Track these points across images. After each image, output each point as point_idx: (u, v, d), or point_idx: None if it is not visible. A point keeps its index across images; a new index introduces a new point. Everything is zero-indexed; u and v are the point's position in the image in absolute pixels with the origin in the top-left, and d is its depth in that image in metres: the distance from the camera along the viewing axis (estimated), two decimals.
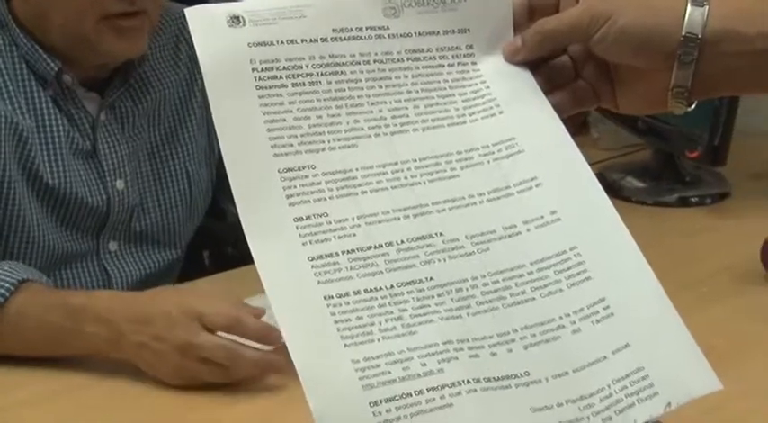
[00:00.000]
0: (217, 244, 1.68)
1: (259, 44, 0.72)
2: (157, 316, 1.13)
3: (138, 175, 1.46)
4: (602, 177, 1.72)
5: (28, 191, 1.34)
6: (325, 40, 0.74)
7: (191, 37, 0.72)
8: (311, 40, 0.74)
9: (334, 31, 0.75)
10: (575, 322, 0.70)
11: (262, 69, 0.72)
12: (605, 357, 0.69)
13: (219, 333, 1.13)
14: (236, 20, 0.73)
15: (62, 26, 1.32)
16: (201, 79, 0.82)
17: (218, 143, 0.70)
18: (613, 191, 1.74)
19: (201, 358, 1.12)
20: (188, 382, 1.13)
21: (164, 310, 1.14)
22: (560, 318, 0.70)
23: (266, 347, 1.13)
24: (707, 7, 0.73)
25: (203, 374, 1.13)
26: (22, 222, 1.34)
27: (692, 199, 1.76)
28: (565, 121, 0.79)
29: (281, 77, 0.72)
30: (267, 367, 1.12)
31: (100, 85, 1.41)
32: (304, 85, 0.73)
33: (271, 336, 1.12)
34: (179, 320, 1.13)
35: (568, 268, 0.72)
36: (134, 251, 1.47)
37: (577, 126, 2.40)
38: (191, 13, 0.72)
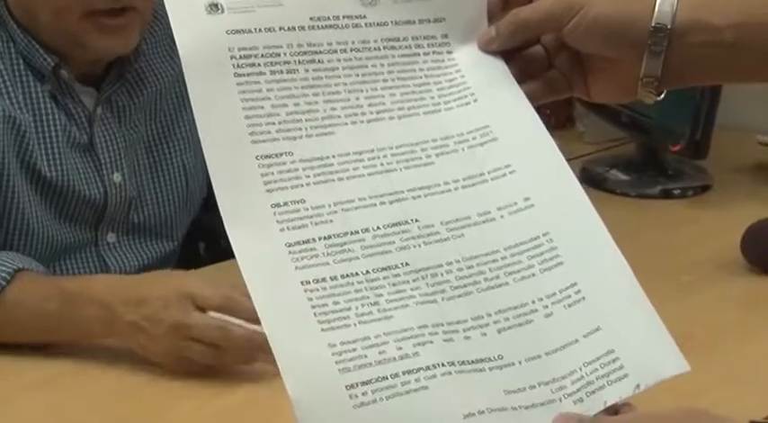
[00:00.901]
0: (212, 236, 1.68)
1: (237, 32, 0.73)
2: (152, 298, 1.14)
3: (136, 168, 1.46)
4: (586, 170, 1.72)
5: (26, 184, 1.35)
6: (302, 28, 0.75)
7: None
8: (289, 29, 0.74)
9: (311, 19, 0.75)
10: (547, 306, 0.71)
11: (240, 57, 0.72)
12: (577, 340, 0.70)
13: (211, 313, 1.14)
14: (214, 7, 0.73)
15: (49, 23, 1.32)
16: None
17: None
18: (598, 183, 1.74)
19: (193, 338, 1.13)
20: (180, 362, 1.14)
21: (159, 292, 1.15)
22: (533, 302, 0.70)
23: (258, 328, 1.13)
24: None
25: (195, 355, 1.13)
26: (21, 215, 1.34)
27: (675, 191, 1.77)
28: (539, 111, 0.80)
29: (258, 65, 0.73)
30: (258, 346, 1.11)
31: (96, 79, 1.41)
32: (282, 72, 0.73)
33: None
34: (172, 301, 1.14)
35: (541, 254, 0.72)
36: (132, 242, 1.48)
37: (563, 120, 2.38)
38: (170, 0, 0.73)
